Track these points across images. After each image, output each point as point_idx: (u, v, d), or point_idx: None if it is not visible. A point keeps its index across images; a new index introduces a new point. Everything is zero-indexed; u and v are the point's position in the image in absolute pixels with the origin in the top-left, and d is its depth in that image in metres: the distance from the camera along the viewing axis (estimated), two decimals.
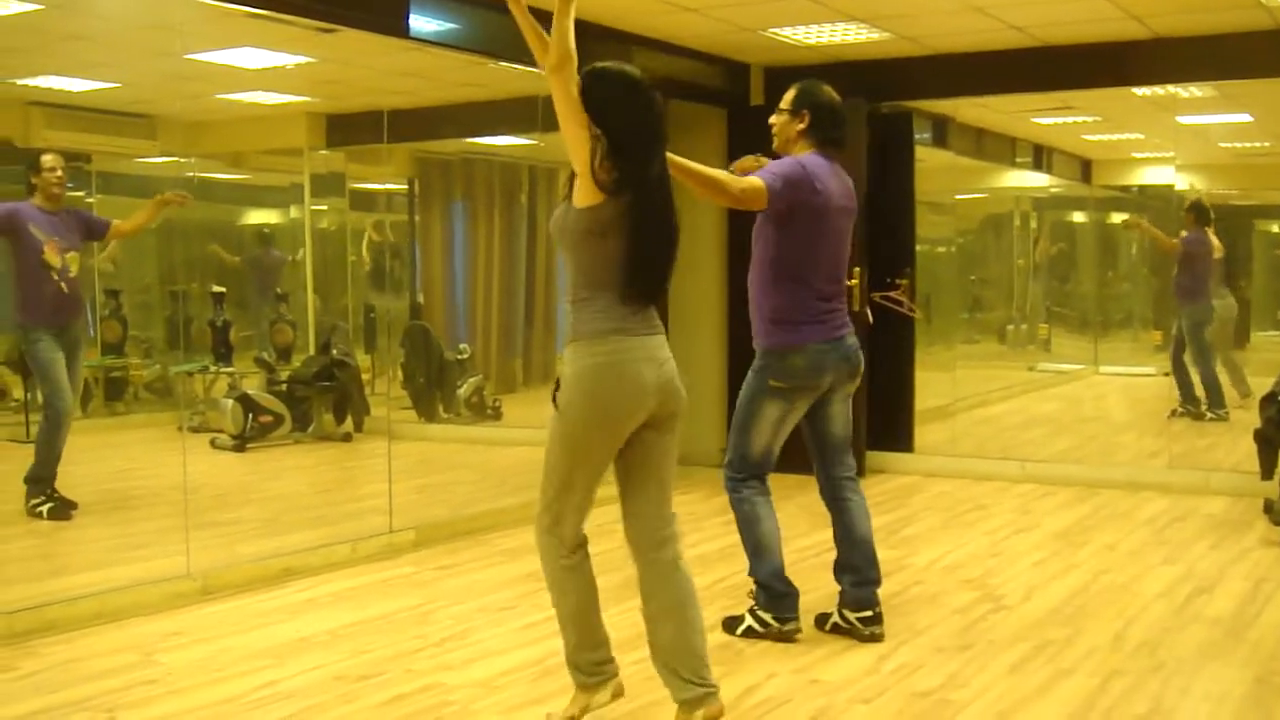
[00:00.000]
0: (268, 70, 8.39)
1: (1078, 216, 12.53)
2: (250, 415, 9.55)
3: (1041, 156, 11.83)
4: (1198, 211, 10.02)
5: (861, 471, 9.02)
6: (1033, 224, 12.68)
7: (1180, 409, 9.99)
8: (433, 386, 10.22)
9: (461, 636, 5.24)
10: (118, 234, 7.67)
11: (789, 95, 5.33)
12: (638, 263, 3.94)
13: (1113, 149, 11.81)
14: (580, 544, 4.13)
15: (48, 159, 7.13)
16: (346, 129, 9.57)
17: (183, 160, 8.93)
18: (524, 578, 6.29)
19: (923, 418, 9.66)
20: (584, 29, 7.97)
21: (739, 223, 9.59)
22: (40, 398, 7.13)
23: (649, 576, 4.13)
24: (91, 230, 7.38)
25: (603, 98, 4.00)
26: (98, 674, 4.79)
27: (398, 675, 4.75)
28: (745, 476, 5.36)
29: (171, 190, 7.60)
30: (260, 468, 9.24)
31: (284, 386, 9.98)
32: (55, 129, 8.80)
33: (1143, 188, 11.50)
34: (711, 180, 4.92)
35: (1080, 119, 10.70)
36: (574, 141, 3.89)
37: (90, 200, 10.24)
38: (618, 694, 4.18)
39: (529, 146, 10.11)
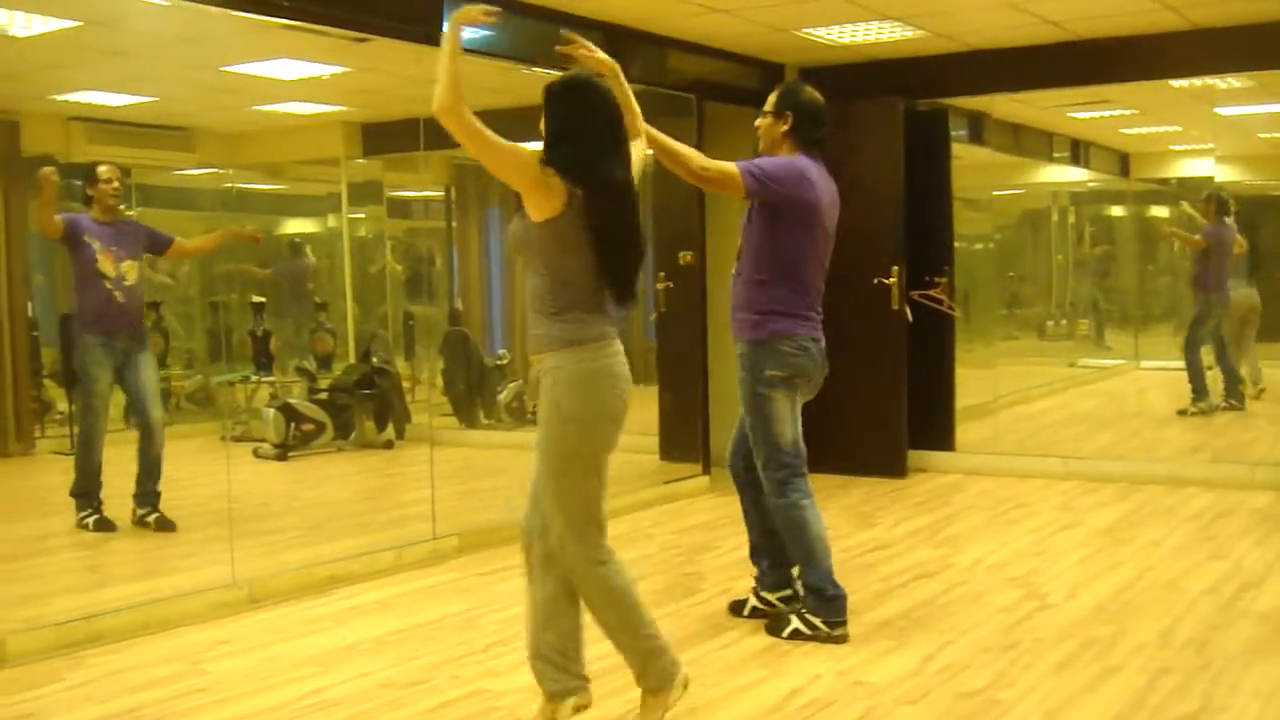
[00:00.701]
0: (304, 81, 8.44)
1: (1116, 211, 12.46)
2: (292, 424, 9.61)
3: (1079, 151, 11.77)
4: (1218, 203, 9.98)
5: (903, 471, 9.05)
6: (1071, 219, 12.62)
7: (1191, 408, 10.00)
8: (473, 392, 10.25)
9: (507, 642, 5.24)
10: (180, 252, 7.68)
11: (772, 97, 5.39)
12: (612, 269, 3.96)
13: (1151, 142, 11.73)
14: (605, 543, 4.11)
15: (103, 170, 7.15)
16: (383, 137, 9.61)
17: (221, 172, 8.99)
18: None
19: (963, 416, 9.62)
20: (616, 33, 8.06)
21: None
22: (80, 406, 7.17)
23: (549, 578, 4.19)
24: (154, 244, 7.39)
25: (564, 111, 4.07)
26: (146, 684, 4.82)
27: (444, 682, 4.76)
28: (786, 475, 5.32)
29: (251, 227, 7.63)
30: (303, 476, 9.29)
31: (325, 395, 10.03)
32: (96, 143, 8.87)
33: (1182, 180, 11.42)
34: (676, 154, 5.03)
35: (1117, 112, 10.64)
36: (502, 165, 3.91)
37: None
38: (583, 705, 4.15)
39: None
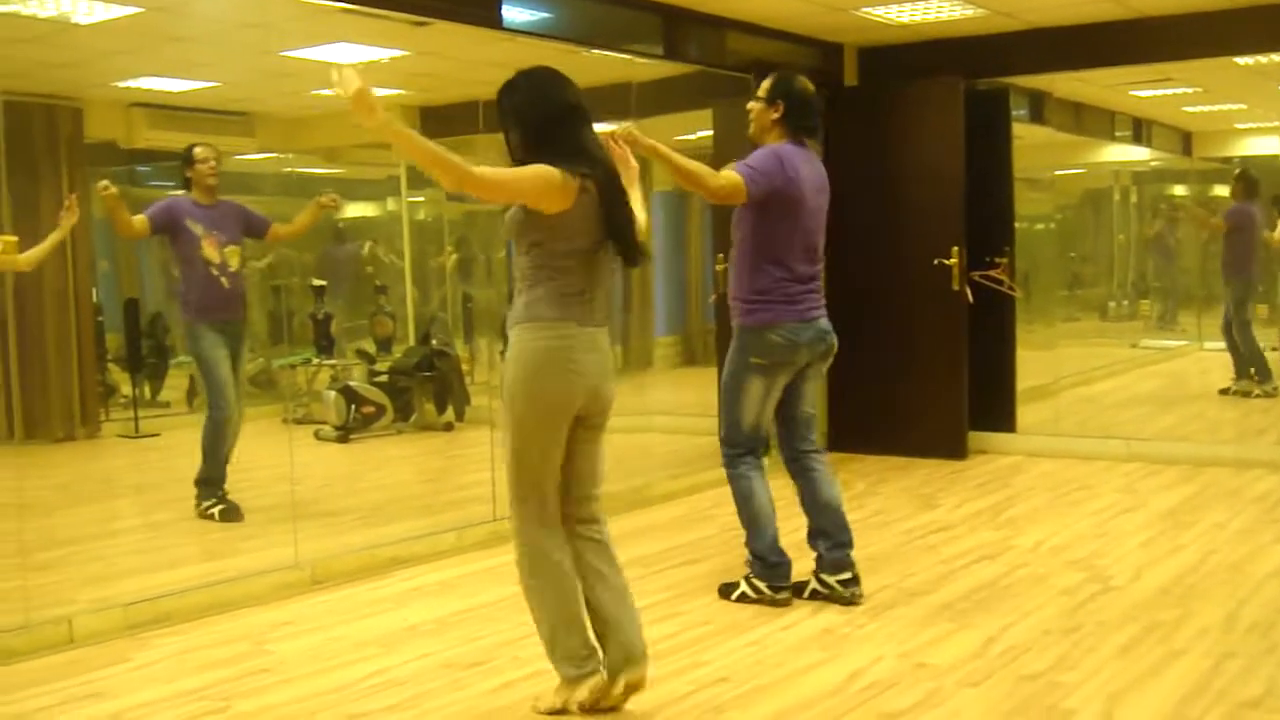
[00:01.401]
0: (363, 65, 8.46)
1: (1179, 190, 12.33)
2: (353, 407, 9.67)
3: (1141, 130, 11.65)
4: (1245, 182, 9.87)
5: (964, 453, 9.01)
6: (1133, 199, 12.50)
7: (1234, 387, 9.91)
8: None
9: None
10: (276, 237, 7.54)
11: (765, 85, 5.52)
12: (622, 242, 4.11)
13: (1214, 120, 11.60)
14: (558, 520, 4.20)
15: (200, 150, 7.02)
16: (441, 121, 9.63)
17: (281, 156, 9.06)
18: (629, 563, 6.26)
19: (1024, 397, 9.56)
20: (674, 14, 8.05)
21: (834, 210, 9.55)
22: (202, 395, 7.14)
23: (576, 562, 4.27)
24: (251, 226, 7.23)
25: (511, 108, 4.11)
26: (211, 664, 4.87)
27: (505, 662, 4.79)
28: (740, 452, 5.58)
29: (325, 195, 7.56)
30: (364, 458, 9.36)
31: (385, 378, 10.10)
32: (157, 129, 8.95)
33: (1245, 159, 11.29)
34: (691, 173, 5.18)
35: (1180, 90, 10.52)
36: (535, 191, 3.94)
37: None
38: (597, 693, 4.14)
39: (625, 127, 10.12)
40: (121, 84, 8.71)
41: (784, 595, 5.49)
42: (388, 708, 4.34)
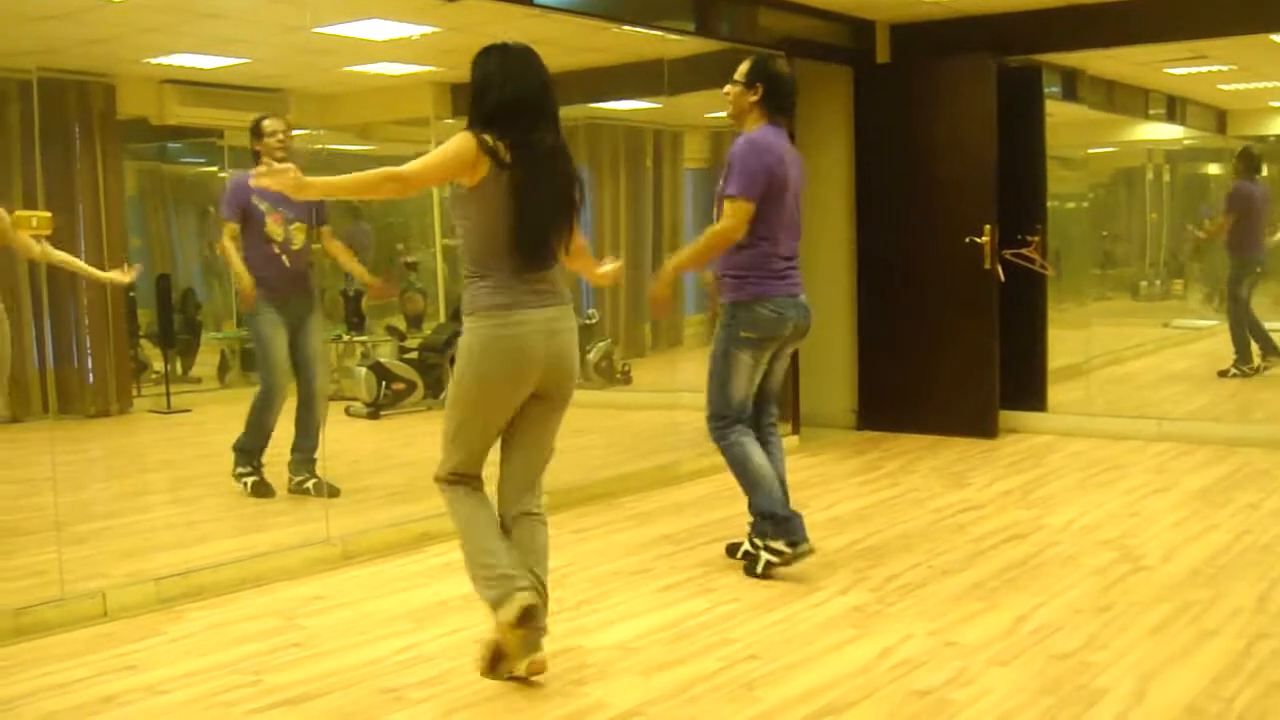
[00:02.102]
0: (394, 41, 8.47)
1: (1213, 169, 12.23)
2: (384, 383, 9.70)
3: (1175, 108, 11.56)
4: (1246, 160, 9.82)
5: (994, 431, 8.99)
6: (1166, 177, 12.41)
7: (1233, 369, 9.87)
8: None
9: (597, 600, 5.28)
10: (322, 237, 7.25)
11: (742, 68, 5.67)
12: (523, 234, 4.15)
13: (1249, 98, 11.49)
14: (478, 484, 4.46)
15: (269, 123, 6.85)
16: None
17: (312, 133, 9.06)
18: (658, 540, 6.32)
19: (1055, 376, 9.52)
20: None
21: (866, 189, 9.57)
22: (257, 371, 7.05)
23: (517, 534, 4.46)
24: (319, 211, 7.10)
25: (480, 77, 4.22)
26: (244, 638, 4.90)
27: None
28: (727, 425, 5.70)
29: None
30: (394, 435, 9.38)
31: (416, 354, 10.11)
32: (188, 105, 8.97)
33: None
34: (711, 247, 5.60)
35: (1215, 68, 10.43)
36: (448, 172, 4.13)
37: (223, 175, 10.44)
38: (526, 606, 4.18)
39: (654, 110, 10.10)
40: (154, 60, 8.73)
41: (804, 548, 5.57)
42: (418, 682, 4.36)
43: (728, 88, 5.66)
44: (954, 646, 4.61)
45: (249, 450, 6.95)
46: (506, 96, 4.15)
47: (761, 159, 5.48)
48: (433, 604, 5.30)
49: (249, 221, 6.83)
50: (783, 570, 5.62)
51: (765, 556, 5.58)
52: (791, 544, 5.53)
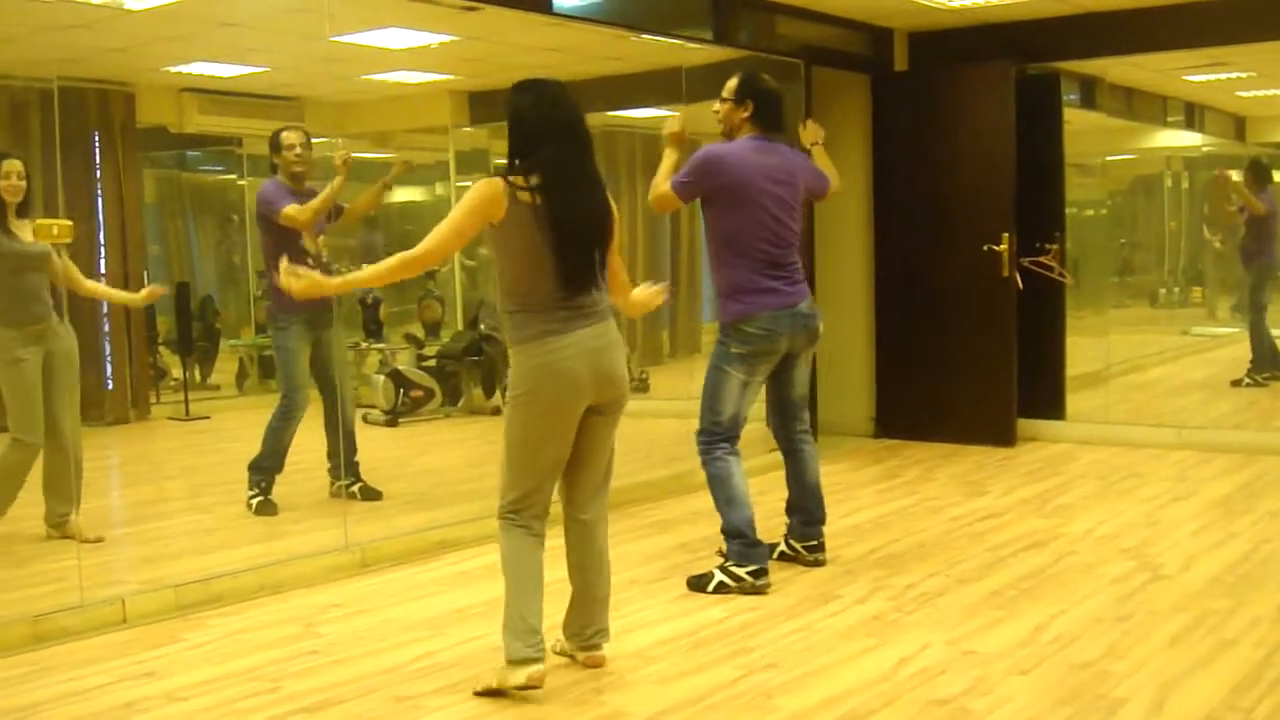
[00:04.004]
0: (412, 50, 8.49)
1: (1232, 175, 12.20)
2: (401, 390, 9.72)
3: (1193, 115, 11.53)
4: (1255, 171, 9.82)
5: (1012, 440, 8.97)
6: (1185, 184, 12.38)
7: (1247, 379, 9.86)
8: None
9: (615, 608, 5.23)
10: (349, 217, 7.29)
11: (731, 85, 5.68)
12: (564, 262, 4.17)
13: (1268, 105, 11.45)
14: (540, 526, 4.35)
15: (287, 135, 6.83)
16: (490, 105, 9.64)
17: (330, 141, 9.09)
18: (675, 549, 6.32)
19: (1074, 384, 9.50)
20: None
21: (884, 197, 9.56)
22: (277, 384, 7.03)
23: (568, 537, 4.51)
24: (333, 210, 6.99)
25: (513, 111, 4.30)
26: (263, 645, 4.91)
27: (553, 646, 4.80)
28: (715, 440, 5.68)
29: (396, 166, 7.49)
30: (412, 442, 9.40)
31: (434, 362, 10.13)
32: (207, 114, 9.01)
33: None
34: (655, 192, 5.67)
35: (1234, 75, 10.41)
36: (471, 224, 4.22)
37: (241, 183, 10.49)
38: (535, 681, 4.21)
39: (672, 118, 10.11)
40: (173, 69, 8.77)
41: (764, 582, 5.49)
42: (436, 690, 4.36)
43: (716, 105, 5.70)
44: (972, 655, 4.60)
45: (263, 469, 6.90)
46: (541, 129, 4.22)
47: (710, 163, 5.55)
48: (450, 611, 5.30)
49: (279, 231, 6.71)
50: (800, 578, 5.62)
51: (720, 577, 5.51)
52: (753, 574, 5.47)
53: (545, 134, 4.21)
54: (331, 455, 7.09)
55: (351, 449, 7.11)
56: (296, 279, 4.21)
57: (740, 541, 5.52)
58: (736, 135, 5.65)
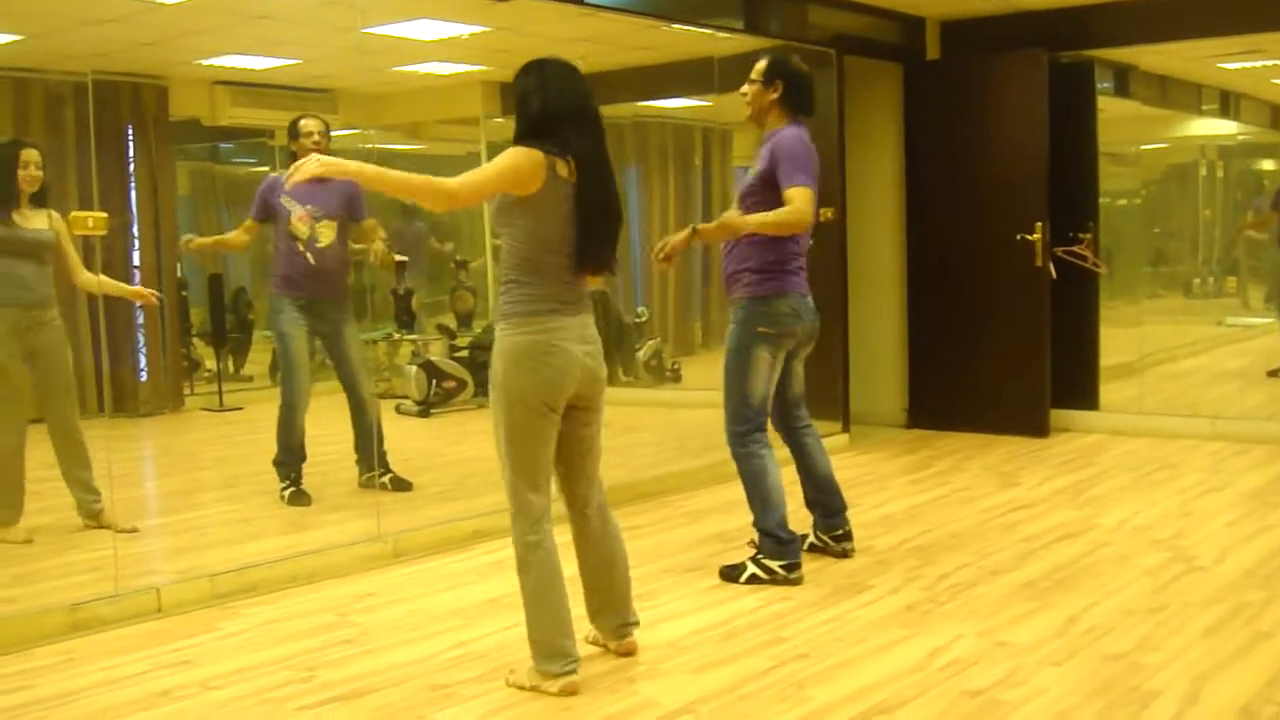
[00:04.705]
0: (444, 41, 8.51)
1: (1267, 164, 12.11)
2: (434, 381, 9.74)
3: (1228, 103, 11.45)
4: None
5: (1046, 430, 8.94)
6: (1219, 173, 12.30)
7: None
8: (611, 350, 10.27)
9: (648, 597, 5.28)
10: (364, 233, 7.20)
11: (760, 67, 5.61)
12: (588, 241, 4.17)
13: None
14: (546, 515, 4.26)
15: (305, 123, 6.87)
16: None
17: (362, 132, 9.11)
18: (708, 539, 6.32)
19: (1107, 375, 9.46)
20: None
21: (917, 186, 9.53)
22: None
23: (584, 545, 4.50)
24: (351, 208, 7.00)
25: (520, 92, 4.23)
26: (297, 634, 4.94)
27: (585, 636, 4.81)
28: (749, 429, 5.60)
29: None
30: (444, 432, 9.42)
31: (466, 352, 10.15)
32: (240, 106, 9.03)
33: None
34: (779, 226, 5.34)
35: (1270, 62, 10.33)
36: (513, 182, 4.09)
37: (273, 175, 10.50)
38: (568, 691, 4.19)
39: (703, 108, 10.10)
40: (205, 62, 8.80)
41: (797, 575, 5.49)
42: (469, 679, 4.37)
43: (745, 87, 5.61)
44: (1005, 647, 4.59)
45: (285, 463, 6.93)
46: (554, 107, 4.16)
47: (808, 150, 5.46)
48: (483, 601, 5.32)
49: (275, 219, 6.87)
50: (832, 569, 5.63)
51: (752, 569, 5.52)
52: (785, 567, 5.48)
53: (564, 111, 4.16)
54: (358, 448, 7.12)
55: (379, 440, 7.13)
56: (299, 171, 3.96)
57: (773, 541, 5.52)
58: (765, 119, 5.59)
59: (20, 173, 5.91)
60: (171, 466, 8.08)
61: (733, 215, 5.34)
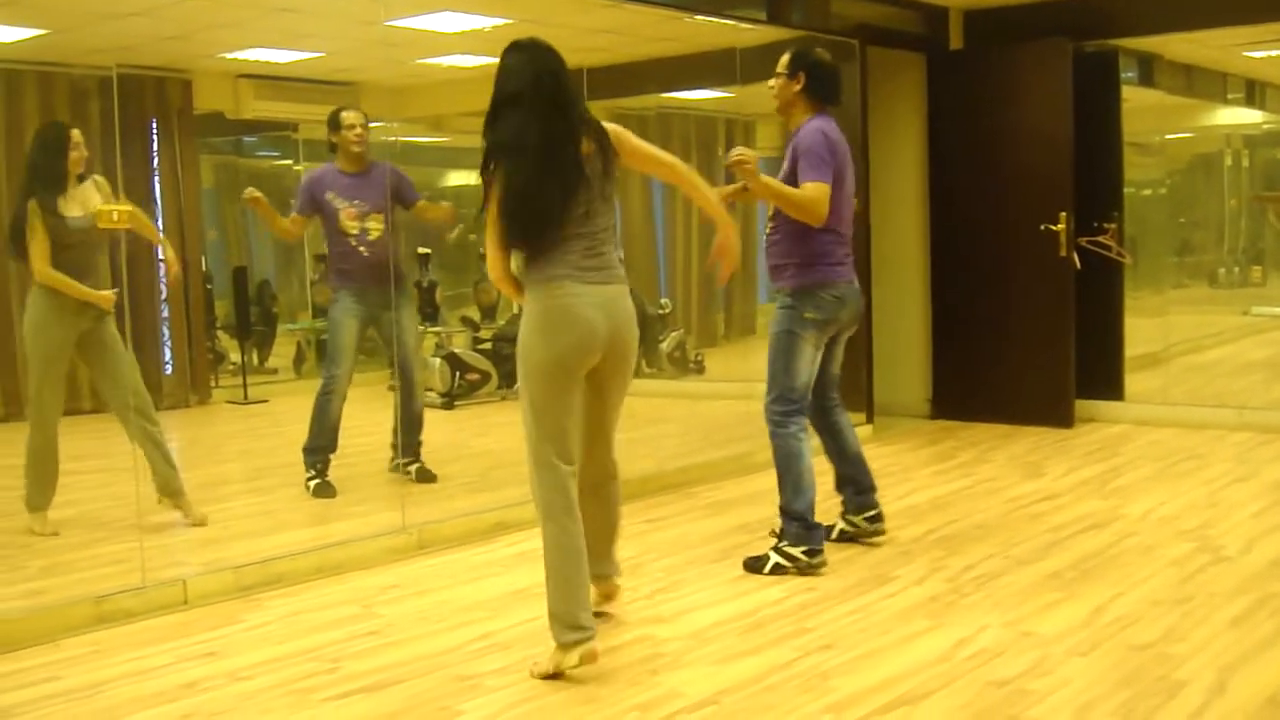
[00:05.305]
0: (467, 33, 8.51)
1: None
2: (458, 373, 9.76)
3: (1254, 92, 11.39)
4: None
5: (1070, 421, 8.91)
6: (1245, 163, 12.24)
7: None
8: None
9: (672, 589, 5.28)
10: (420, 213, 7.25)
11: (784, 59, 5.66)
12: (510, 218, 4.30)
13: None
14: (570, 476, 4.39)
15: (348, 116, 6.90)
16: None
17: (386, 125, 9.13)
18: (733, 530, 6.32)
19: (1132, 365, 9.43)
20: None
21: (940, 177, 9.50)
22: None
23: (587, 502, 4.57)
24: (401, 194, 7.03)
25: (498, 72, 4.49)
26: (321, 625, 4.95)
27: (609, 627, 4.80)
28: (792, 410, 5.65)
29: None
30: (468, 424, 9.44)
31: (489, 344, 10.16)
32: (263, 99, 9.07)
33: None
34: (793, 202, 5.46)
35: None
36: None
37: (298, 168, 10.54)
38: (588, 659, 4.26)
39: (726, 99, 10.09)
40: (229, 55, 8.83)
41: (820, 559, 5.53)
42: (494, 670, 4.38)
43: (771, 81, 5.67)
44: (1031, 637, 4.58)
45: (314, 450, 6.96)
46: (499, 93, 4.43)
47: (829, 143, 5.48)
48: (508, 593, 5.33)
49: (327, 216, 6.88)
50: (857, 560, 5.62)
51: (775, 559, 5.54)
52: (808, 553, 5.51)
53: (505, 97, 4.44)
54: (395, 432, 7.15)
55: (417, 431, 7.18)
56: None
57: (799, 524, 5.53)
58: (791, 111, 5.63)
59: (73, 154, 5.93)
60: (197, 459, 8.11)
61: (759, 181, 5.45)
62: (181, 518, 6.20)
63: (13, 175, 7.74)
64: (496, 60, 4.40)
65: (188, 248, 8.79)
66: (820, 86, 5.60)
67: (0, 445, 7.49)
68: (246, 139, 10.57)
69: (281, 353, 10.29)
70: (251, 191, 6.65)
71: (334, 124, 6.92)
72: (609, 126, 4.46)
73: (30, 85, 7.85)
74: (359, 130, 6.87)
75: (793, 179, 5.49)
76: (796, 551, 5.50)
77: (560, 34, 8.23)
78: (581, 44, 8.42)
